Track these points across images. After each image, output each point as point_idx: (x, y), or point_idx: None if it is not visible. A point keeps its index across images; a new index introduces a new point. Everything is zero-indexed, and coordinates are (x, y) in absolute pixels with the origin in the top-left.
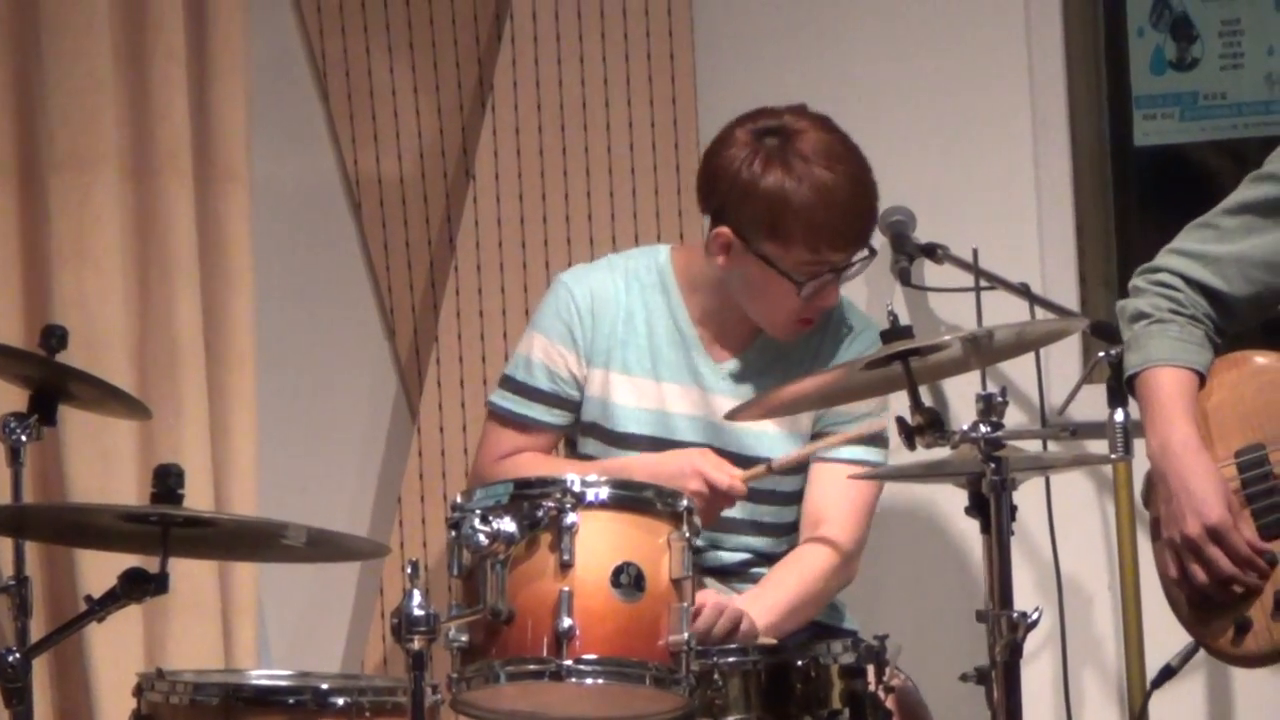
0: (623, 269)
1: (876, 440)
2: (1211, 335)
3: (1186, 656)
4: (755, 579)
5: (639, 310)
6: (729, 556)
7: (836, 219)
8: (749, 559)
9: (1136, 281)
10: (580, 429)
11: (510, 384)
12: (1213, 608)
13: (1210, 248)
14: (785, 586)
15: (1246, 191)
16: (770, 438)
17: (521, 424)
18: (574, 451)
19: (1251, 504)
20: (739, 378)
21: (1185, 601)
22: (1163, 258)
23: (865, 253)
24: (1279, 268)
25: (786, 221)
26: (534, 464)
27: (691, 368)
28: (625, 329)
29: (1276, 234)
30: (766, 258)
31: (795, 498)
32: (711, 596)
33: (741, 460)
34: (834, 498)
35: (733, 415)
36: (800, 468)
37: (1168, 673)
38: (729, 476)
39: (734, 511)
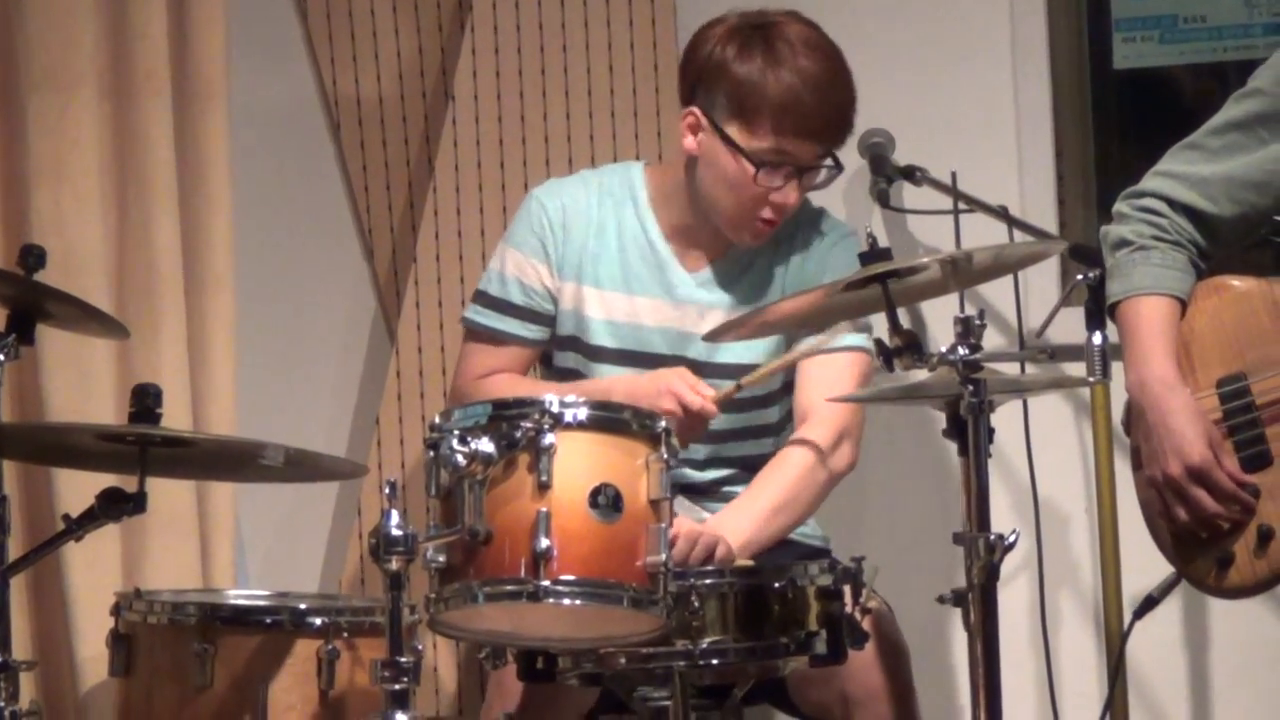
0: (595, 183)
1: (859, 326)
2: (1195, 260)
3: (1168, 587)
4: (727, 498)
5: (610, 224)
6: (701, 475)
7: (805, 105)
8: (723, 476)
9: (1120, 206)
10: (556, 343)
11: (484, 299)
12: (1195, 542)
13: (1196, 169)
14: (764, 493)
15: (1231, 110)
16: (741, 348)
17: (497, 339)
18: (549, 367)
19: (1233, 435)
20: (710, 289)
21: (1168, 534)
22: (1148, 180)
23: (830, 162)
24: (1265, 186)
25: (754, 101)
26: (512, 385)
27: (663, 280)
28: (597, 242)
29: (1261, 152)
30: (730, 139)
31: (769, 399)
32: (685, 524)
33: (713, 369)
34: (819, 389)
35: (710, 337)
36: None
37: (1150, 603)
38: (701, 397)
39: (720, 421)
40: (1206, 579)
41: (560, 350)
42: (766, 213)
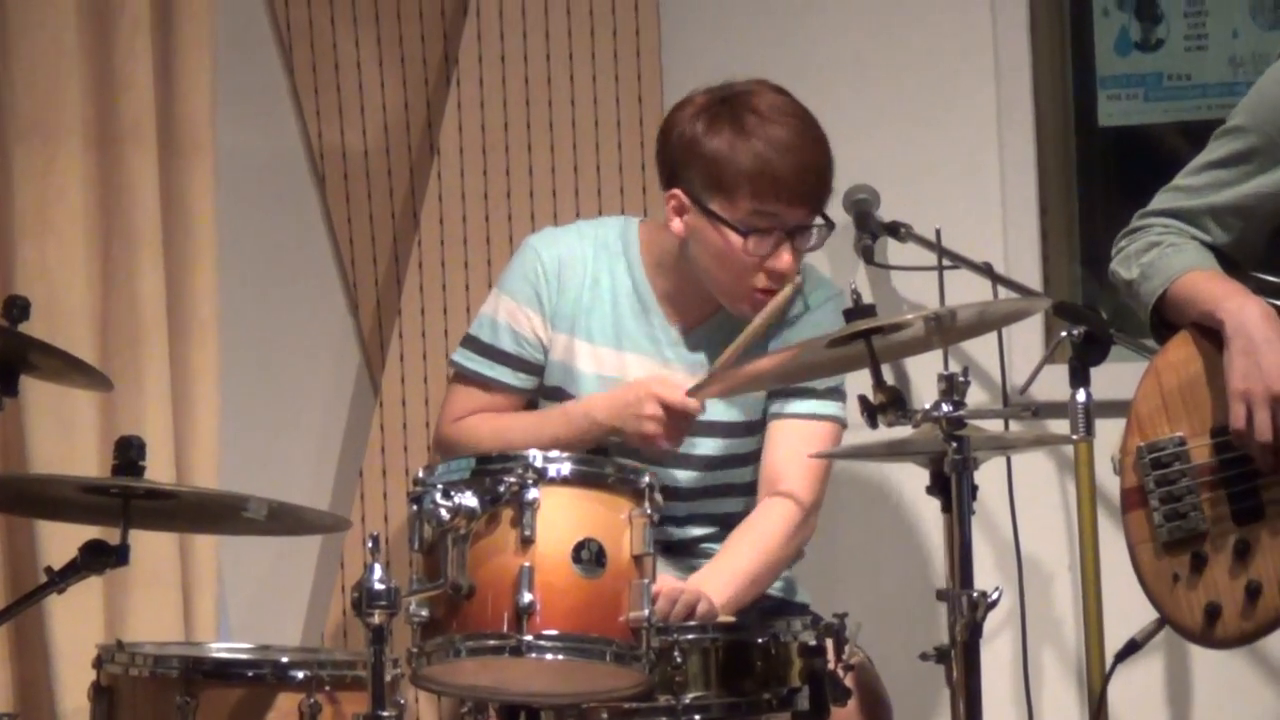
0: (592, 236)
1: (834, 394)
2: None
3: (1151, 632)
4: (707, 555)
5: (604, 278)
6: (682, 533)
7: (778, 168)
8: (702, 534)
9: (1122, 243)
10: (543, 393)
11: (474, 344)
12: (1186, 588)
13: (1182, 204)
14: (742, 555)
15: (1211, 151)
16: (725, 405)
17: (485, 384)
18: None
19: (1228, 487)
20: (699, 349)
21: (1156, 580)
22: (1139, 220)
23: (820, 221)
24: (1252, 211)
25: (731, 173)
26: (492, 421)
27: (653, 338)
28: (590, 296)
29: (1249, 183)
30: (716, 214)
31: (746, 458)
32: (668, 582)
33: (700, 426)
34: (790, 456)
35: (694, 392)
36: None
37: (1132, 647)
38: (680, 392)
39: (698, 479)
40: (1191, 627)
41: (545, 400)
42: (762, 281)
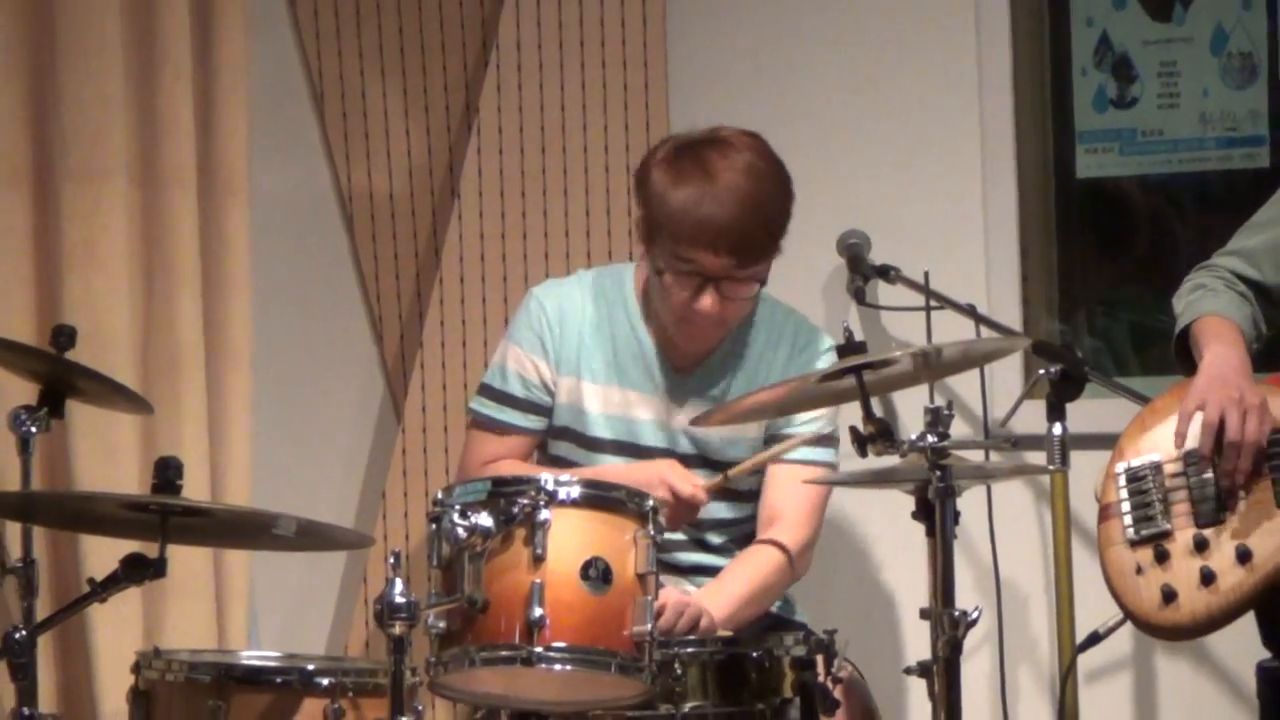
0: (590, 283)
1: (828, 441)
2: (1258, 318)
3: (1113, 627)
4: (713, 573)
5: (604, 323)
6: (686, 558)
7: (704, 218)
8: (704, 564)
9: (1190, 276)
10: (552, 433)
11: (488, 391)
12: (1145, 577)
13: (1245, 243)
14: (740, 580)
15: None
16: (724, 441)
17: (499, 429)
18: (545, 454)
19: (1193, 492)
20: (696, 386)
21: (1118, 572)
22: (1214, 257)
23: (749, 276)
24: None
25: (660, 215)
26: (515, 470)
27: (651, 377)
28: (591, 340)
29: None
30: (651, 254)
31: (753, 495)
32: (673, 595)
33: (699, 463)
34: (788, 497)
35: (697, 422)
36: (756, 473)
37: (1094, 639)
38: (691, 485)
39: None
40: (1149, 611)
41: (555, 439)
42: (695, 319)
